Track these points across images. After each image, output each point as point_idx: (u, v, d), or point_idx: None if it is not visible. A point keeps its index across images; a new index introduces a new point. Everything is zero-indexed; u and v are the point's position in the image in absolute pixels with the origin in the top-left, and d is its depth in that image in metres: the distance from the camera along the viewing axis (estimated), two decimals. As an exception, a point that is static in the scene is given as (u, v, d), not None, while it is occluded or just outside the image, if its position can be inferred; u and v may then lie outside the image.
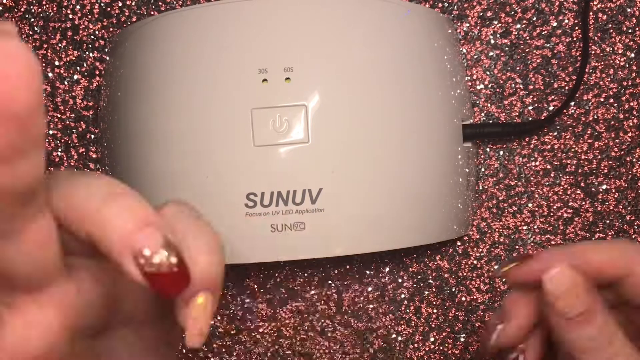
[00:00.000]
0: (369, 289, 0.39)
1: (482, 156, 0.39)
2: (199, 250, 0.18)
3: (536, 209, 0.39)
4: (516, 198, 0.39)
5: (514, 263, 0.23)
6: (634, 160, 0.39)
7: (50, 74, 0.39)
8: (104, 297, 0.19)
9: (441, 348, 0.39)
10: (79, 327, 0.18)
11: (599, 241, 0.25)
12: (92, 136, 0.39)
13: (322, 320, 0.40)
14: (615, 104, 0.39)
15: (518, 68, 0.39)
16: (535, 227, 0.39)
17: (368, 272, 0.40)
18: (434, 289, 0.39)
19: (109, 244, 0.16)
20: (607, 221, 0.39)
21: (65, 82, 0.39)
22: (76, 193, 0.17)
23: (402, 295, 0.39)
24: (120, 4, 0.39)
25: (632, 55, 0.38)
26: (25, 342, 0.16)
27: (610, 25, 0.39)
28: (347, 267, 0.39)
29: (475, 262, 0.39)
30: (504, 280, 0.38)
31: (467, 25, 0.39)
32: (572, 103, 0.39)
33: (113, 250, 0.16)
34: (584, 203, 0.39)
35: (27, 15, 0.39)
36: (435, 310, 0.39)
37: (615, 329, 0.22)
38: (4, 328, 0.16)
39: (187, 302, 0.18)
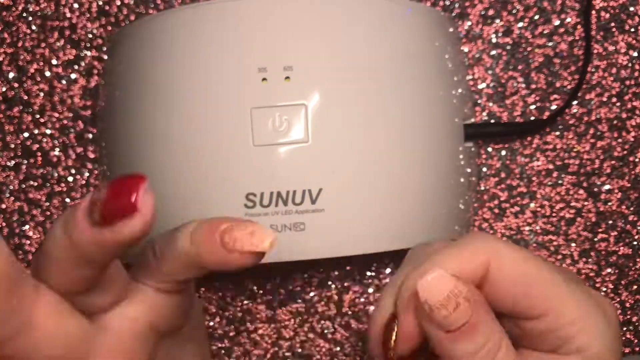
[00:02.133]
0: (370, 290, 0.39)
1: (484, 156, 0.39)
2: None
3: (538, 209, 0.39)
4: (518, 198, 0.39)
5: None
6: (637, 160, 0.39)
7: (47, 73, 0.39)
8: (178, 305, 0.21)
9: (442, 349, 0.39)
10: (161, 326, 0.20)
11: (453, 245, 0.21)
12: (90, 136, 0.39)
13: (322, 322, 0.39)
14: (618, 104, 0.38)
15: (520, 67, 0.38)
16: (538, 227, 0.39)
17: (369, 273, 0.39)
18: (435, 290, 0.39)
19: None
20: (610, 221, 0.39)
21: (63, 81, 0.39)
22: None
23: (403, 297, 0.39)
24: (118, 3, 0.39)
25: (635, 54, 0.38)
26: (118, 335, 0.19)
27: (612, 24, 0.38)
28: (348, 268, 0.39)
29: (476, 262, 0.39)
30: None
31: (469, 23, 0.38)
32: (575, 102, 0.38)
33: None
34: (586, 203, 0.39)
35: (24, 14, 0.39)
36: (436, 312, 0.39)
37: (499, 339, 0.19)
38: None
39: None
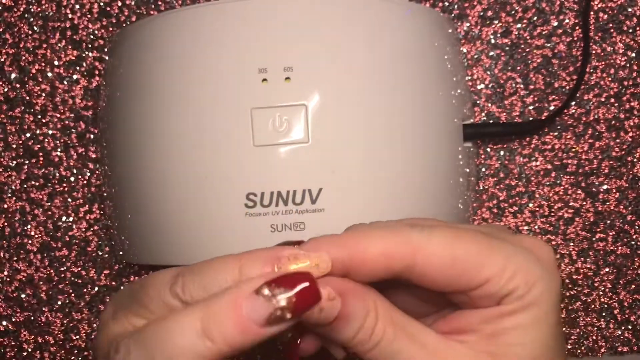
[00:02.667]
0: (369, 289, 0.39)
1: (483, 156, 0.39)
2: None
3: (537, 209, 0.39)
4: (517, 198, 0.39)
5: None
6: (635, 160, 0.39)
7: (49, 74, 0.39)
8: None
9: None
10: None
11: (382, 226, 0.21)
12: (92, 136, 0.39)
13: (322, 321, 0.39)
14: (616, 104, 0.39)
15: (519, 68, 0.39)
16: (536, 227, 0.39)
17: (368, 272, 0.39)
18: (434, 289, 0.39)
19: None
20: (608, 221, 0.39)
21: (65, 82, 0.39)
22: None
23: (403, 296, 0.39)
24: (119, 4, 0.39)
25: (633, 54, 0.38)
26: None
27: (610, 25, 0.38)
28: (347, 267, 0.39)
29: (475, 262, 0.39)
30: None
31: (468, 24, 0.39)
32: (573, 103, 0.39)
33: None
34: (584, 203, 0.39)
35: (26, 15, 0.39)
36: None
37: (375, 315, 0.20)
38: None
39: None
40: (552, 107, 0.39)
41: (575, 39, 0.39)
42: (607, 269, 0.39)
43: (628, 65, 0.38)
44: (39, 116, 0.39)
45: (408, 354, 0.20)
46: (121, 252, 0.35)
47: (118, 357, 0.18)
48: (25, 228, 0.40)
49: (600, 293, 0.39)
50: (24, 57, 0.39)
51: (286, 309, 0.18)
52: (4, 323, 0.40)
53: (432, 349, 0.20)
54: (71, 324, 0.40)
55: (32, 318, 0.40)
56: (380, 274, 0.20)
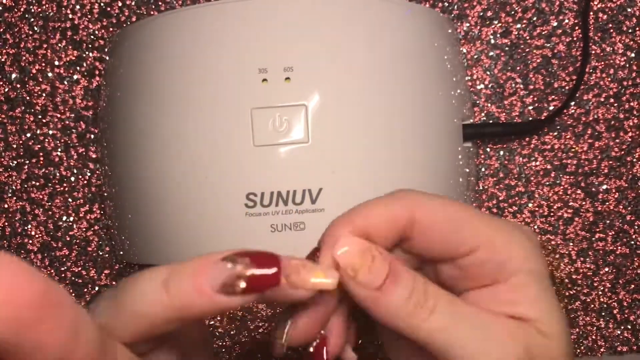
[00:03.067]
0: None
1: (483, 156, 0.39)
2: None
3: (536, 209, 0.39)
4: (516, 198, 0.39)
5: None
6: (634, 160, 0.39)
7: (50, 74, 0.39)
8: None
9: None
10: None
11: (382, 197, 0.22)
12: (92, 136, 0.39)
13: (322, 321, 0.39)
14: (616, 104, 0.39)
15: (518, 68, 0.39)
16: (536, 227, 0.39)
17: (368, 272, 0.39)
18: (434, 289, 0.39)
19: None
20: (608, 221, 0.39)
21: (65, 82, 0.39)
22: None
23: (402, 296, 0.39)
24: (120, 4, 0.39)
25: (632, 55, 0.38)
26: None
27: (610, 25, 0.39)
28: (347, 267, 0.39)
29: (475, 262, 0.39)
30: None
31: (467, 25, 0.39)
32: (573, 103, 0.39)
33: None
34: (584, 203, 0.39)
35: (26, 15, 0.39)
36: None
37: (422, 277, 0.20)
38: None
39: None
40: (551, 107, 0.39)
41: (575, 39, 0.39)
42: (606, 269, 0.39)
43: (627, 65, 0.39)
44: (40, 116, 0.39)
45: (471, 316, 0.20)
46: (121, 252, 0.35)
47: (92, 306, 0.19)
48: (26, 228, 0.40)
49: (600, 293, 0.39)
50: (24, 57, 0.39)
51: (243, 278, 0.18)
52: (5, 323, 0.40)
53: (488, 311, 0.20)
54: (71, 324, 0.40)
55: (33, 318, 0.40)
56: (389, 239, 0.21)
